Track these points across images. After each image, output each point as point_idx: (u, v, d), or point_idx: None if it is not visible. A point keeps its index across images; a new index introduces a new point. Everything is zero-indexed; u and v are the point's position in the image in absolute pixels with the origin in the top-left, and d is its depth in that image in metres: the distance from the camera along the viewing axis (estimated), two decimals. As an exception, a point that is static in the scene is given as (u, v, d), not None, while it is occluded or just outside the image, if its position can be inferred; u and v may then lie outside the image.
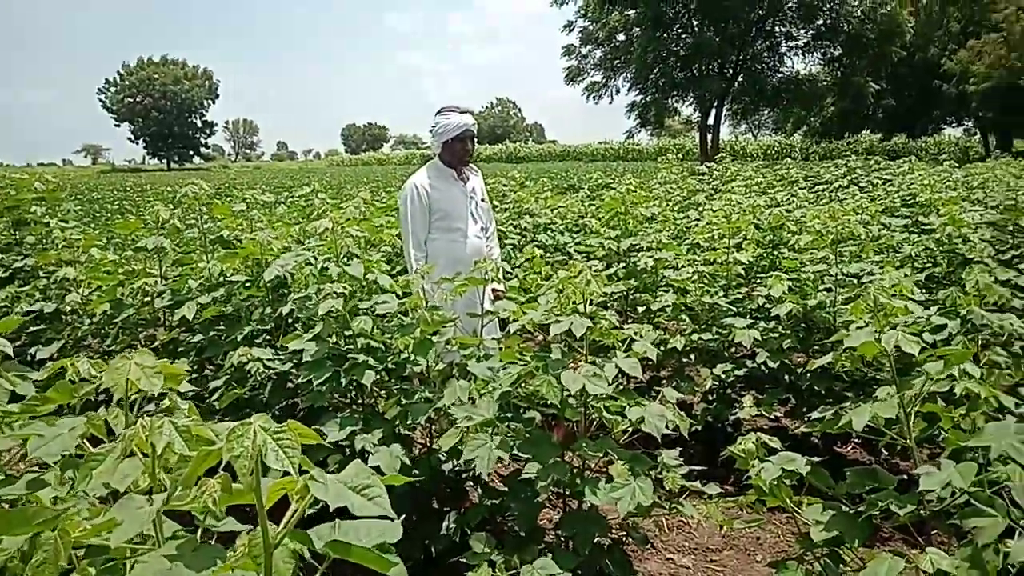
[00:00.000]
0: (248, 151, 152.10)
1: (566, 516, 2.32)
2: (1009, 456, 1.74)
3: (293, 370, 2.88)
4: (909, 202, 7.83)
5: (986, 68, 30.26)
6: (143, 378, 1.21)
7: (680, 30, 30.97)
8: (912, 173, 11.05)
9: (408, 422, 2.46)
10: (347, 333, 2.73)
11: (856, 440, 3.77)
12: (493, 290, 3.56)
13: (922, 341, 3.27)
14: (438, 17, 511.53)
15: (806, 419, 3.03)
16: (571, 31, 33.88)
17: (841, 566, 1.87)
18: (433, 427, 2.72)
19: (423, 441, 2.84)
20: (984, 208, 6.41)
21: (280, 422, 2.90)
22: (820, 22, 29.25)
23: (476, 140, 3.85)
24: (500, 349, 2.69)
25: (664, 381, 3.99)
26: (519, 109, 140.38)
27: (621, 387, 2.43)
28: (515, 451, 2.23)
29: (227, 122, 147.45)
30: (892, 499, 1.76)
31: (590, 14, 32.45)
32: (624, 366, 2.29)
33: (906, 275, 4.10)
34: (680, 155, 30.79)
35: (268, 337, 3.28)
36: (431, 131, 3.75)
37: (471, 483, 2.69)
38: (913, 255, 4.82)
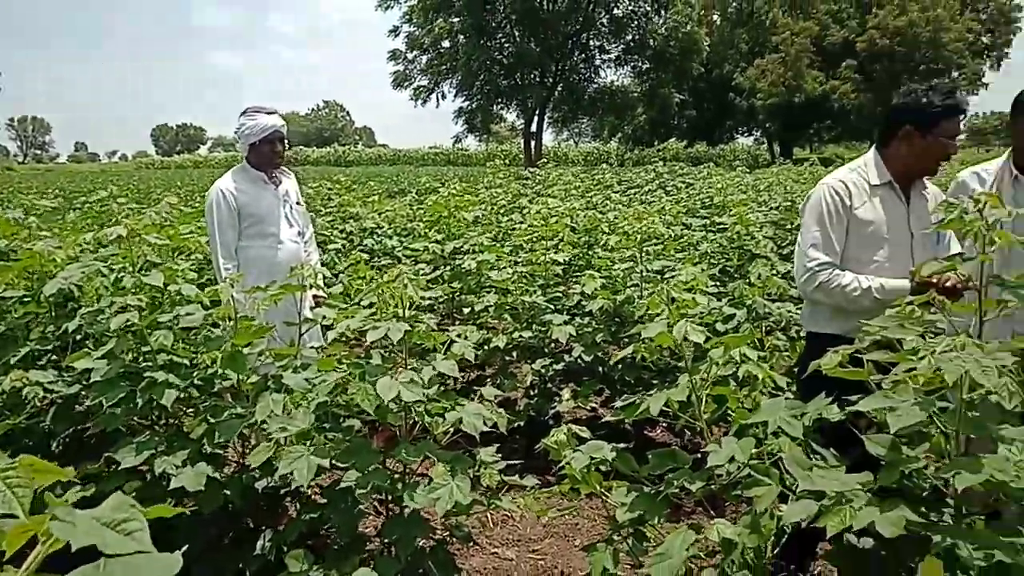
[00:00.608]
0: (39, 152, 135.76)
1: (387, 522, 2.29)
2: (781, 429, 1.96)
3: (83, 392, 2.61)
4: (707, 204, 8.55)
5: (769, 85, 34.05)
6: None
7: (503, 39, 31.88)
8: (710, 178, 12.14)
9: (217, 440, 2.31)
10: (145, 349, 2.52)
11: (664, 424, 4.07)
12: (314, 296, 3.44)
13: (715, 330, 3.61)
14: (256, 15, 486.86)
15: (612, 408, 3.23)
16: (397, 36, 33.70)
17: (645, 543, 1.99)
18: (248, 444, 2.58)
19: (236, 459, 2.68)
20: (768, 209, 7.20)
21: (67, 450, 2.59)
22: (629, 38, 31.41)
23: (287, 142, 3.70)
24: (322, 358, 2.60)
25: (489, 379, 4.08)
26: (347, 112, 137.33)
27: (443, 388, 2.45)
28: (334, 461, 2.17)
29: (11, 120, 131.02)
30: (686, 476, 1.90)
31: (415, 20, 32.45)
32: (443, 368, 2.31)
33: (703, 270, 4.49)
34: (507, 160, 31.72)
35: (54, 358, 2.94)
36: (236, 133, 3.56)
37: (289, 499, 2.58)
38: (709, 252, 5.29)
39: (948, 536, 1.48)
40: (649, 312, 2.15)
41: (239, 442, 2.54)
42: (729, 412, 2.36)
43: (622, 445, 2.11)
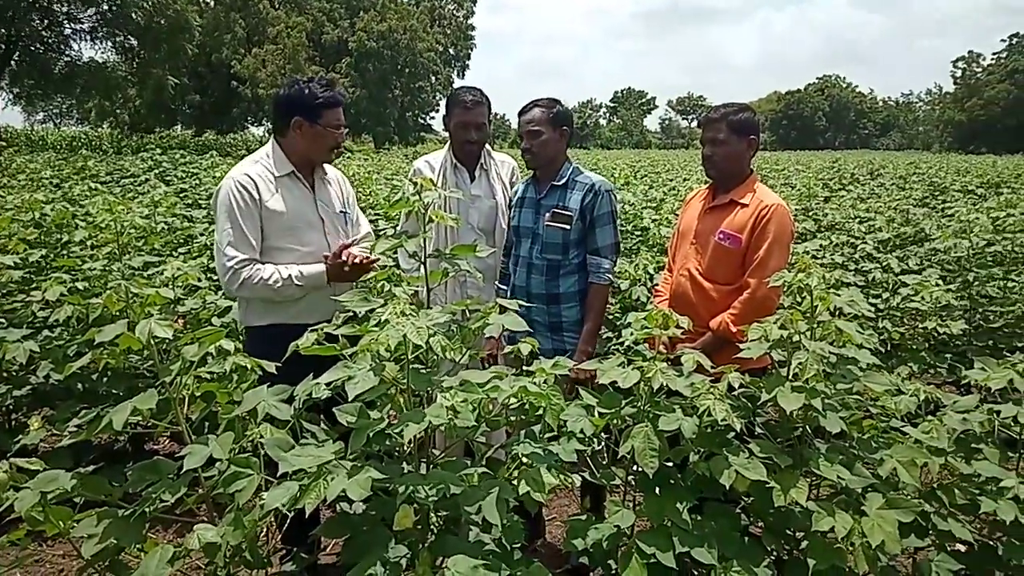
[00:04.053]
0: None
1: None
2: (269, 415, 1.93)
3: None
4: (211, 194, 8.14)
5: (269, 76, 34.12)
6: None
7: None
8: (216, 168, 11.63)
9: None
10: None
11: (166, 435, 3.73)
12: None
13: (211, 323, 3.42)
14: None
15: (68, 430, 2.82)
16: None
17: (124, 572, 1.77)
18: None
19: None
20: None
21: None
22: (105, 7, 27.41)
23: None
24: None
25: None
26: None
27: None
28: None
29: None
30: (165, 487, 1.74)
31: None
32: None
33: (201, 264, 4.24)
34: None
35: None
36: None
37: None
38: (209, 244, 5.03)
39: (408, 483, 1.65)
40: (107, 312, 1.89)
41: None
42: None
43: (92, 469, 1.84)
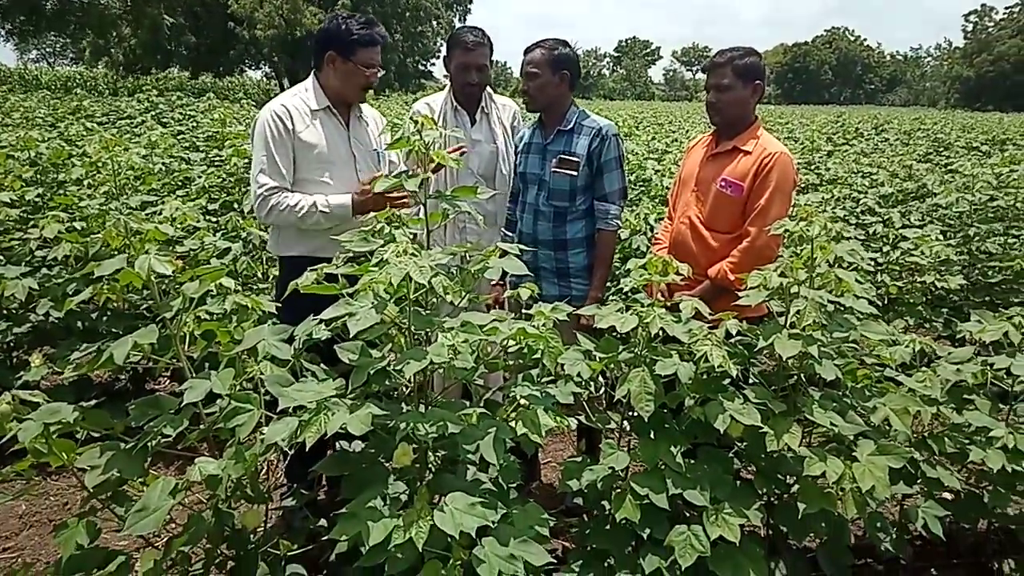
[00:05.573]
0: None
1: None
2: (271, 354, 1.94)
3: None
4: (209, 137, 8.05)
5: (266, 16, 33.23)
6: None
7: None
8: (213, 111, 11.48)
9: None
10: None
11: (166, 374, 3.76)
12: None
13: (210, 264, 3.42)
14: None
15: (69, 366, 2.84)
16: None
17: (129, 503, 1.80)
18: None
19: None
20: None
21: None
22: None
23: None
24: None
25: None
26: None
27: None
28: None
29: None
30: (167, 421, 1.76)
31: None
32: None
33: (199, 205, 4.22)
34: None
35: None
36: None
37: None
38: (208, 186, 4.99)
39: (408, 420, 1.66)
40: (107, 247, 1.88)
41: None
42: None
43: (93, 404, 1.86)
